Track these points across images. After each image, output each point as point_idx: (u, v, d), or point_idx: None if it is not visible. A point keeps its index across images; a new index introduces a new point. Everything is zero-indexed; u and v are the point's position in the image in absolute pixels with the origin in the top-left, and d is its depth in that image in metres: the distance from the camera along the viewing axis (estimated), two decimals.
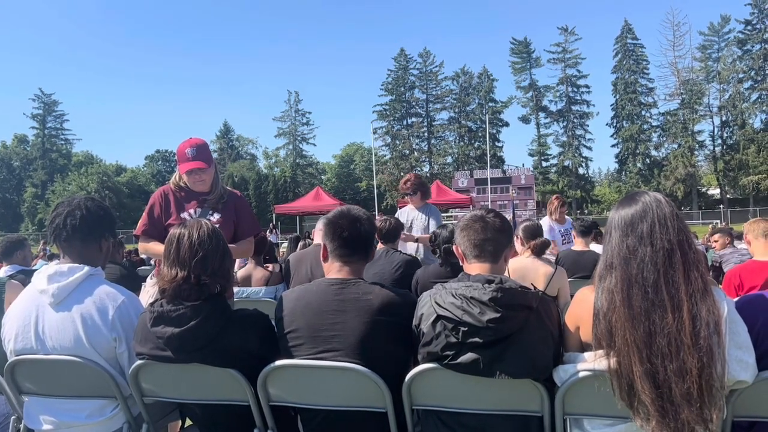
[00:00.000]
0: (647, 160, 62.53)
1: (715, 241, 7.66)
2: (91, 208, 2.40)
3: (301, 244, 8.60)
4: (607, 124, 66.26)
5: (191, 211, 3.36)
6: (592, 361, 1.81)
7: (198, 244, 2.15)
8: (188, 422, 2.60)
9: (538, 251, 4.18)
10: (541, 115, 67.20)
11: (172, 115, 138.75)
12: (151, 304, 2.15)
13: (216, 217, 3.32)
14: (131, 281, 4.23)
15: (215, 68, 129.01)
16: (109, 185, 63.44)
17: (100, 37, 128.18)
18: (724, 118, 60.05)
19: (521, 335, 1.85)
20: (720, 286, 4.43)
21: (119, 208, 62.94)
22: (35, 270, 3.35)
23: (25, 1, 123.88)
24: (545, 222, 7.08)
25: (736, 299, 2.03)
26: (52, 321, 2.24)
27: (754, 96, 57.78)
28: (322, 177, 74.97)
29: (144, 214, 3.37)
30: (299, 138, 74.04)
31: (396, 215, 5.62)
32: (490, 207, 2.29)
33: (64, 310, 2.25)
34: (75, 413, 2.31)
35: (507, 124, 68.98)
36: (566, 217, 7.42)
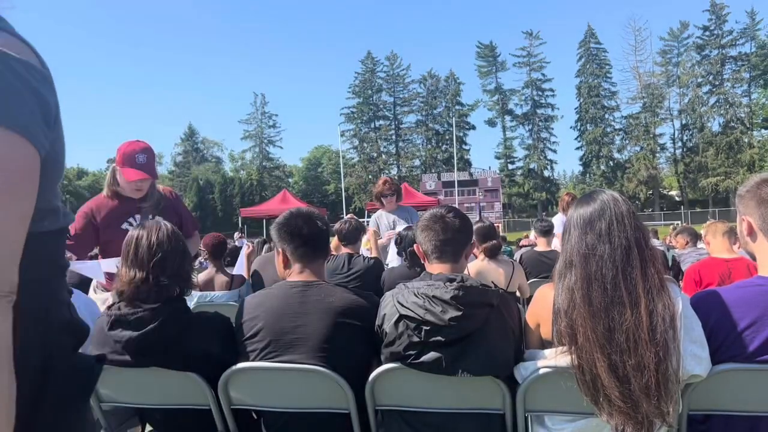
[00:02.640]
0: (611, 162, 63.82)
1: (677, 242, 7.85)
2: None
3: (266, 247, 8.51)
4: (571, 127, 67.53)
5: (130, 220, 3.27)
6: (553, 358, 1.83)
7: (157, 245, 2.10)
8: (149, 428, 2.54)
9: (491, 253, 4.22)
10: (507, 118, 68.10)
11: (135, 118, 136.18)
12: (108, 308, 2.09)
13: None
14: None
15: (178, 69, 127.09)
16: (69, 189, 61.98)
17: (55, 35, 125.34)
18: (684, 122, 61.68)
19: (482, 333, 1.86)
20: (680, 283, 4.57)
21: None
22: None
23: None
24: (558, 218, 7.05)
25: (692, 296, 2.07)
26: None
27: (712, 100, 59.48)
28: (290, 180, 74.54)
29: (73, 233, 3.12)
30: (266, 141, 73.50)
31: (374, 217, 5.55)
32: (449, 206, 2.29)
33: None
34: None
35: (474, 128, 69.77)
36: None
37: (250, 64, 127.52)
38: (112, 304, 2.10)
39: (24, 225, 0.94)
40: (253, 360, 2.08)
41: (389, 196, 5.39)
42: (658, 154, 62.10)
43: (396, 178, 59.78)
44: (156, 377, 2.08)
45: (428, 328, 1.85)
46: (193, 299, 4.21)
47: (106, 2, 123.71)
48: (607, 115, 64.89)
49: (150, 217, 3.15)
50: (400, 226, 5.29)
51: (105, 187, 3.35)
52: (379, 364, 2.04)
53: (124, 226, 3.23)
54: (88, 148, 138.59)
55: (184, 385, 2.08)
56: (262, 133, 73.48)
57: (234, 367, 2.04)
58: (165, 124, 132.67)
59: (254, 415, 2.29)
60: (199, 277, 4.50)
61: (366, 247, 5.33)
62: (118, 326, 2.02)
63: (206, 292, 4.36)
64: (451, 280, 1.90)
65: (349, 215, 5.95)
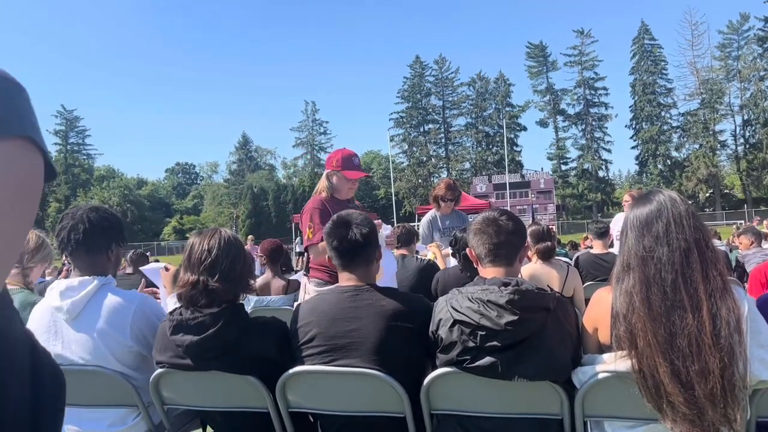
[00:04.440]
0: (668, 161, 61.87)
1: (741, 243, 7.54)
2: (94, 221, 2.36)
3: None
4: (626, 126, 65.84)
5: None
6: (612, 363, 1.79)
7: (208, 250, 2.17)
8: (209, 430, 2.61)
9: (545, 256, 4.15)
10: (559, 118, 66.94)
11: (191, 129, 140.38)
12: (171, 313, 2.17)
13: (388, 228, 3.47)
14: None
15: (232, 80, 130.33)
16: (130, 198, 64.32)
17: (117, 54, 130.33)
18: (746, 117, 59.20)
19: (539, 337, 1.84)
20: (744, 285, 4.38)
21: (141, 221, 63.74)
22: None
23: (43, 17, 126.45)
24: (620, 218, 6.92)
25: (758, 298, 1.99)
26: (70, 334, 2.27)
27: None
28: None
29: (312, 223, 3.55)
30: (317, 147, 74.56)
31: (426, 219, 5.48)
32: (501, 208, 2.27)
33: (80, 324, 2.27)
34: (97, 422, 2.34)
35: (525, 129, 68.91)
36: None
37: (301, 72, 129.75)
38: (174, 309, 2.18)
39: (26, 232, 0.90)
40: (308, 364, 2.11)
41: (449, 201, 5.33)
42: (718, 152, 59.82)
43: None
44: (216, 380, 2.14)
45: (484, 333, 1.83)
46: (250, 303, 4.32)
47: (161, 12, 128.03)
48: (663, 113, 62.97)
49: None
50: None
51: (323, 191, 3.72)
52: (434, 368, 2.04)
53: None
54: (147, 159, 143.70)
55: (244, 388, 2.13)
56: (314, 140, 74.59)
57: (291, 371, 2.08)
58: (220, 133, 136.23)
59: (311, 418, 2.33)
60: (257, 282, 4.59)
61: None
62: (180, 331, 2.09)
63: (263, 296, 4.46)
64: (506, 284, 1.88)
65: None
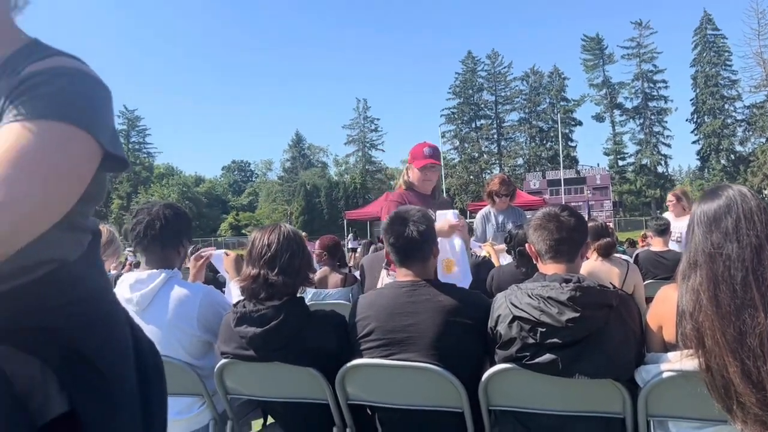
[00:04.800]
0: (732, 156, 59.32)
1: None
2: (170, 217, 2.48)
3: (372, 248, 8.68)
4: (687, 120, 63.43)
5: None
6: (678, 362, 1.75)
7: (268, 245, 2.23)
8: (270, 419, 2.68)
9: (604, 252, 4.05)
10: (616, 112, 65.13)
11: (246, 127, 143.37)
12: (235, 305, 2.24)
13: (456, 215, 3.41)
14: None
15: (286, 79, 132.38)
16: (189, 195, 66.24)
17: (172, 57, 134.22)
18: None
19: (601, 335, 1.81)
20: None
21: (198, 217, 65.50)
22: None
23: (105, 18, 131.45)
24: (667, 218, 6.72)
25: None
26: (140, 325, 2.37)
27: None
28: (391, 182, 75.31)
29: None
30: (368, 144, 74.88)
31: (480, 215, 5.42)
32: (563, 204, 2.24)
33: (149, 315, 2.37)
34: None
35: (580, 123, 67.26)
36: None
37: (352, 70, 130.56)
38: (238, 302, 2.25)
39: (67, 206, 0.96)
40: (367, 357, 2.14)
41: (503, 197, 5.28)
42: None
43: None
44: (278, 371, 2.20)
45: (544, 329, 1.82)
46: (307, 296, 4.42)
47: (216, 14, 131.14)
48: (727, 106, 60.39)
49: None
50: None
51: (402, 185, 3.73)
52: (491, 364, 2.04)
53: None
54: (204, 157, 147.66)
55: (304, 380, 2.18)
56: (365, 138, 74.94)
57: (350, 364, 2.11)
58: (274, 132, 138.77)
59: (368, 411, 2.36)
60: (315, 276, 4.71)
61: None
62: (243, 323, 2.15)
63: (320, 289, 4.56)
64: (567, 281, 1.86)
65: None
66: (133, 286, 2.38)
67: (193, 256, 3.04)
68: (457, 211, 3.39)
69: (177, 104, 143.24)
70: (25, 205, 0.86)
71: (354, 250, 16.33)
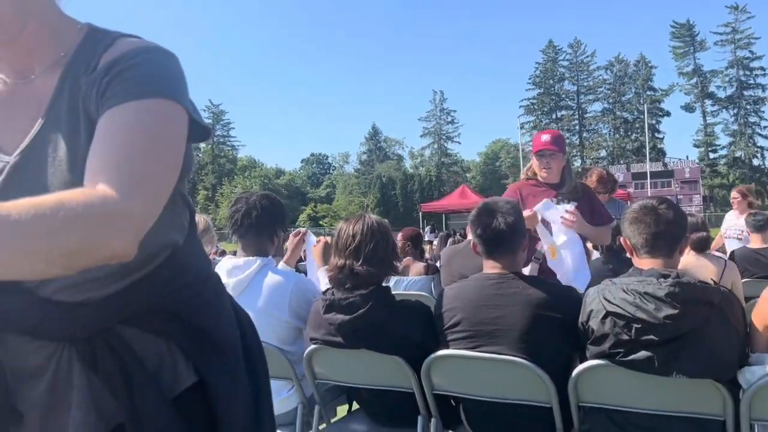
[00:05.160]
0: None
1: None
2: (266, 206, 2.58)
3: (450, 241, 8.66)
4: None
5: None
6: None
7: (352, 236, 2.28)
8: (355, 406, 2.74)
9: (699, 247, 3.88)
10: (708, 102, 61.54)
11: (325, 121, 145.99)
12: (324, 293, 2.31)
13: (572, 206, 3.26)
14: None
15: (361, 72, 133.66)
16: (269, 187, 68.13)
17: (257, 51, 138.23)
18: None
19: (701, 333, 1.73)
20: None
21: None
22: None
23: (183, 15, 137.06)
24: (731, 216, 6.36)
25: None
26: None
27: None
28: (467, 175, 74.64)
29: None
30: (444, 137, 74.38)
31: None
32: (661, 197, 2.16)
33: (244, 300, 2.47)
34: None
35: (668, 114, 64.08)
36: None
37: (429, 61, 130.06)
38: (327, 290, 2.31)
39: (176, 180, 0.98)
40: (453, 348, 2.15)
41: (602, 194, 5.09)
42: None
43: (580, 169, 57.21)
44: (364, 359, 2.24)
45: (639, 326, 1.76)
46: (390, 282, 4.51)
47: (296, 6, 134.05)
48: None
49: (565, 202, 3.33)
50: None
51: (523, 176, 3.65)
52: (582, 360, 2.00)
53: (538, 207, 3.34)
54: (285, 150, 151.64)
55: (390, 368, 2.22)
56: (441, 130, 74.50)
57: (437, 354, 2.13)
58: (351, 125, 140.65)
59: (453, 401, 2.37)
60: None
61: None
62: (332, 310, 2.21)
63: (402, 277, 4.69)
64: (665, 276, 1.80)
65: None
66: (230, 272, 2.49)
67: (293, 232, 3.17)
68: (571, 206, 3.20)
69: (259, 98, 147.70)
70: (153, 183, 0.89)
71: (431, 242, 16.36)
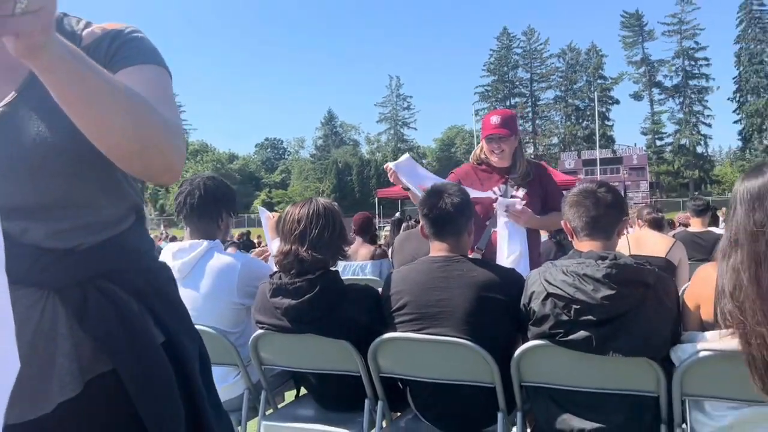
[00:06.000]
0: None
1: None
2: (210, 188, 2.54)
3: (404, 225, 8.69)
4: (728, 99, 61.36)
5: (495, 188, 3.24)
6: (716, 341, 1.72)
7: (297, 221, 2.25)
8: (303, 391, 2.73)
9: (654, 224, 4.13)
10: (655, 91, 63.31)
11: (279, 105, 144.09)
12: (271, 276, 2.28)
13: (522, 192, 3.19)
14: None
15: (317, 57, 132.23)
16: (222, 172, 67.01)
17: (206, 30, 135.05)
18: None
19: (637, 313, 1.79)
20: None
21: None
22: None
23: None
24: None
25: None
26: (181, 293, 2.44)
27: None
28: (423, 161, 74.91)
29: None
30: (400, 122, 74.57)
31: None
32: (600, 180, 2.21)
33: (189, 283, 2.43)
34: None
35: (617, 102, 65.65)
36: None
37: (385, 47, 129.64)
38: (274, 273, 2.28)
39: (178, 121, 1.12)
40: (400, 331, 2.16)
41: None
42: None
43: (533, 156, 58.20)
44: (311, 343, 2.23)
45: (578, 306, 1.81)
46: (339, 267, 4.51)
47: None
48: None
49: (515, 188, 3.22)
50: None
51: (473, 159, 3.43)
52: (524, 341, 2.04)
53: (488, 193, 3.23)
54: (238, 135, 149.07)
55: (337, 352, 2.21)
56: (397, 116, 74.64)
57: (383, 337, 2.14)
58: (307, 110, 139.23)
59: (400, 384, 2.39)
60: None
61: None
62: (279, 294, 2.19)
63: (349, 262, 4.70)
64: (603, 258, 1.84)
65: None
66: (175, 255, 2.45)
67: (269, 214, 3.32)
68: (518, 200, 3.08)
69: (210, 81, 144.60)
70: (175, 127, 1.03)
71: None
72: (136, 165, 0.96)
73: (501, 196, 3.13)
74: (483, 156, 3.31)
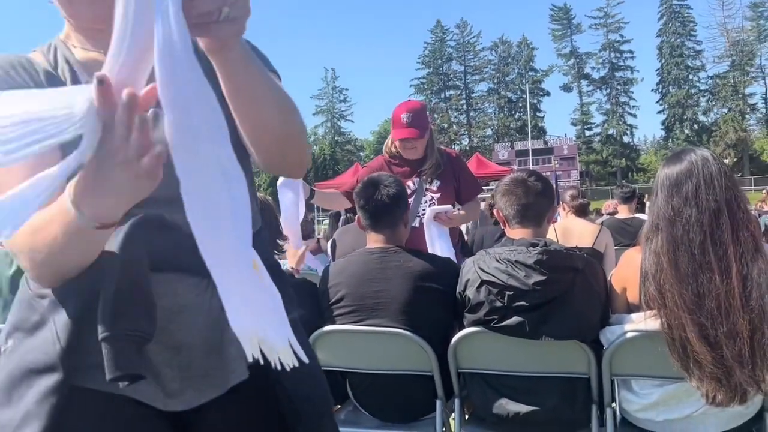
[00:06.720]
0: (695, 125, 60.47)
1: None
2: None
3: (342, 219, 8.67)
4: (652, 90, 64.34)
5: (409, 183, 3.12)
6: (641, 322, 1.80)
7: None
8: None
9: (579, 210, 4.25)
10: (584, 83, 65.61)
11: None
12: None
13: (436, 185, 3.15)
14: None
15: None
16: None
17: None
18: None
19: (567, 297, 1.85)
20: None
21: None
22: None
23: None
24: None
25: None
26: None
27: None
28: (361, 154, 74.92)
29: (354, 177, 3.40)
30: (337, 115, 74.13)
31: None
32: (530, 170, 2.27)
33: None
34: None
35: (548, 94, 67.66)
36: None
37: (320, 39, 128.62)
38: None
39: None
40: (338, 323, 2.16)
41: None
42: (747, 116, 58.28)
43: (467, 148, 59.11)
44: None
45: (511, 293, 1.86)
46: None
47: None
48: (691, 76, 61.44)
49: (428, 181, 3.15)
50: None
51: (384, 152, 3.35)
52: (460, 328, 2.08)
53: None
54: None
55: None
56: (334, 108, 74.11)
57: (321, 330, 2.13)
58: None
59: (340, 376, 2.38)
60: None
61: None
62: None
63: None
64: (534, 245, 1.90)
65: None
66: None
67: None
68: (449, 207, 3.03)
69: None
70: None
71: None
72: (275, 155, 1.06)
73: (415, 191, 3.11)
74: (394, 149, 3.26)
